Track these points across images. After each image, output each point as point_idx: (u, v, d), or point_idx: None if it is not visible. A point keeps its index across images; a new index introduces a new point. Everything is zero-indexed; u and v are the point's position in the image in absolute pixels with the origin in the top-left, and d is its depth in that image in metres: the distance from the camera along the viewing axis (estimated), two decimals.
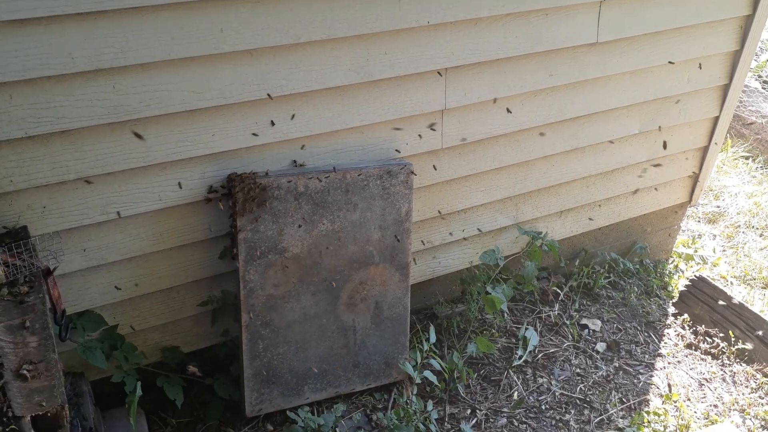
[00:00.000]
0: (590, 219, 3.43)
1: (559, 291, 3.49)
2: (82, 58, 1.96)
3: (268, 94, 2.28)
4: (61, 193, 2.13)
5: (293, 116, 2.39)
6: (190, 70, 2.13)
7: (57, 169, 2.08)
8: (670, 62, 3.07)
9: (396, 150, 2.67)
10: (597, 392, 3.00)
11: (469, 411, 2.85)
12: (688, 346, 3.30)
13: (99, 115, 2.05)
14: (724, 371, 3.15)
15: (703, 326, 3.36)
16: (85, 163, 2.11)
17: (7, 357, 1.64)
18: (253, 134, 2.35)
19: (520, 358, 3.08)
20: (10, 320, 1.75)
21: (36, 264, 1.90)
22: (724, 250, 4.08)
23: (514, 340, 3.19)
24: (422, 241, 2.97)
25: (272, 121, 2.36)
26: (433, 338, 2.82)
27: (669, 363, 3.20)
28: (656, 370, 3.16)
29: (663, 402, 2.97)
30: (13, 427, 1.44)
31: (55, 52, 1.92)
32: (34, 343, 1.69)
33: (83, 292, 2.33)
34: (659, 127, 3.28)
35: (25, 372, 1.60)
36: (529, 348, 3.10)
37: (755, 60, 6.15)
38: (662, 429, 2.84)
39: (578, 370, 3.10)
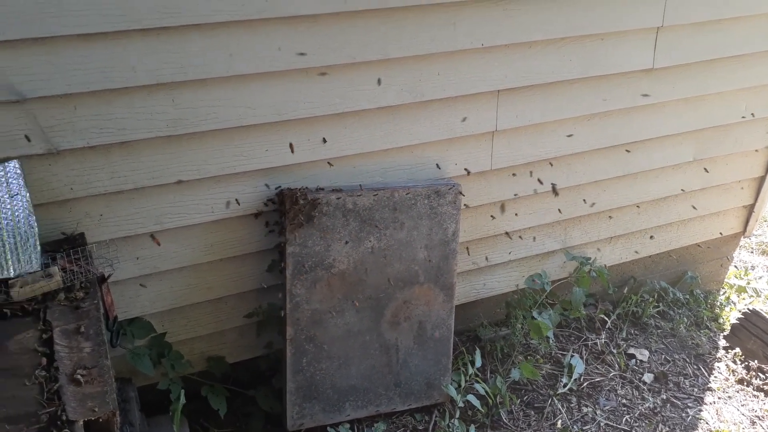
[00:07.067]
0: (640, 246, 3.37)
1: (606, 319, 3.42)
2: (143, 72, 2.01)
3: (322, 113, 2.31)
4: (117, 202, 2.19)
5: (345, 134, 2.41)
6: (247, 87, 2.17)
7: (115, 179, 2.14)
8: (726, 90, 3.01)
9: (445, 170, 2.67)
10: (643, 424, 2.92)
11: None
12: (740, 381, 3.20)
13: (158, 128, 2.11)
14: None
15: (756, 361, 3.25)
16: (141, 174, 2.17)
17: (63, 361, 1.67)
18: (305, 150, 2.38)
19: (564, 385, 3.02)
20: (66, 325, 1.79)
21: (92, 271, 1.95)
22: None
23: (558, 367, 3.14)
24: (468, 262, 2.95)
25: (324, 138, 2.39)
26: (478, 362, 2.79)
27: (719, 398, 3.10)
28: (705, 404, 3.06)
29: None
30: (67, 430, 1.47)
31: (118, 65, 1.98)
32: (88, 349, 1.73)
33: (134, 300, 2.38)
34: (714, 155, 3.21)
35: (79, 377, 1.63)
36: (575, 376, 3.04)
37: None
38: None
39: (624, 401, 3.03)
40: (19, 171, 1.94)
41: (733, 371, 3.25)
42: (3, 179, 1.93)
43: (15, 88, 1.88)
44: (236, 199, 2.36)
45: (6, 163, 1.94)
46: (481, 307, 3.18)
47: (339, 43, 2.22)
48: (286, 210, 2.38)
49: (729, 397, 3.11)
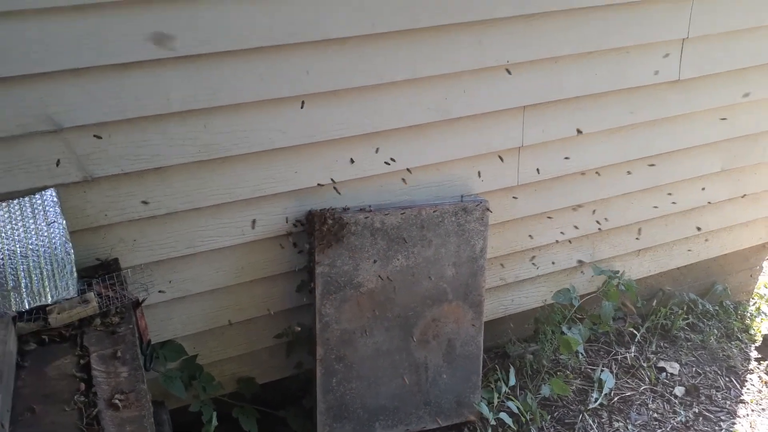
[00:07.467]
0: (668, 258, 3.34)
1: (635, 332, 3.39)
2: (177, 100, 2.04)
3: (351, 133, 2.33)
4: (151, 228, 2.21)
5: (372, 154, 2.42)
6: (277, 110, 2.19)
7: (149, 205, 2.16)
8: (755, 99, 2.99)
9: (471, 186, 2.66)
10: None
11: None
12: None
13: (191, 153, 2.13)
14: None
15: None
16: (175, 199, 2.19)
17: (101, 386, 1.69)
18: (333, 171, 2.39)
19: (595, 401, 3.00)
20: (103, 350, 1.81)
21: (127, 296, 1.97)
22: None
23: (588, 382, 3.11)
24: (495, 278, 2.95)
25: (351, 159, 2.40)
26: (512, 381, 2.78)
27: (752, 410, 3.06)
28: (739, 417, 3.02)
29: None
30: None
31: (153, 93, 2.01)
32: (125, 373, 1.74)
33: (166, 323, 2.39)
34: (742, 165, 3.18)
35: (117, 401, 1.64)
36: (605, 390, 3.02)
37: None
38: None
39: (656, 415, 3.00)
40: (55, 199, 1.97)
41: (766, 383, 3.20)
42: (40, 207, 1.96)
43: (52, 119, 1.91)
44: (267, 221, 2.37)
45: (43, 192, 1.97)
46: (509, 323, 3.17)
47: (367, 65, 2.23)
48: (314, 230, 2.39)
49: (763, 409, 3.07)
